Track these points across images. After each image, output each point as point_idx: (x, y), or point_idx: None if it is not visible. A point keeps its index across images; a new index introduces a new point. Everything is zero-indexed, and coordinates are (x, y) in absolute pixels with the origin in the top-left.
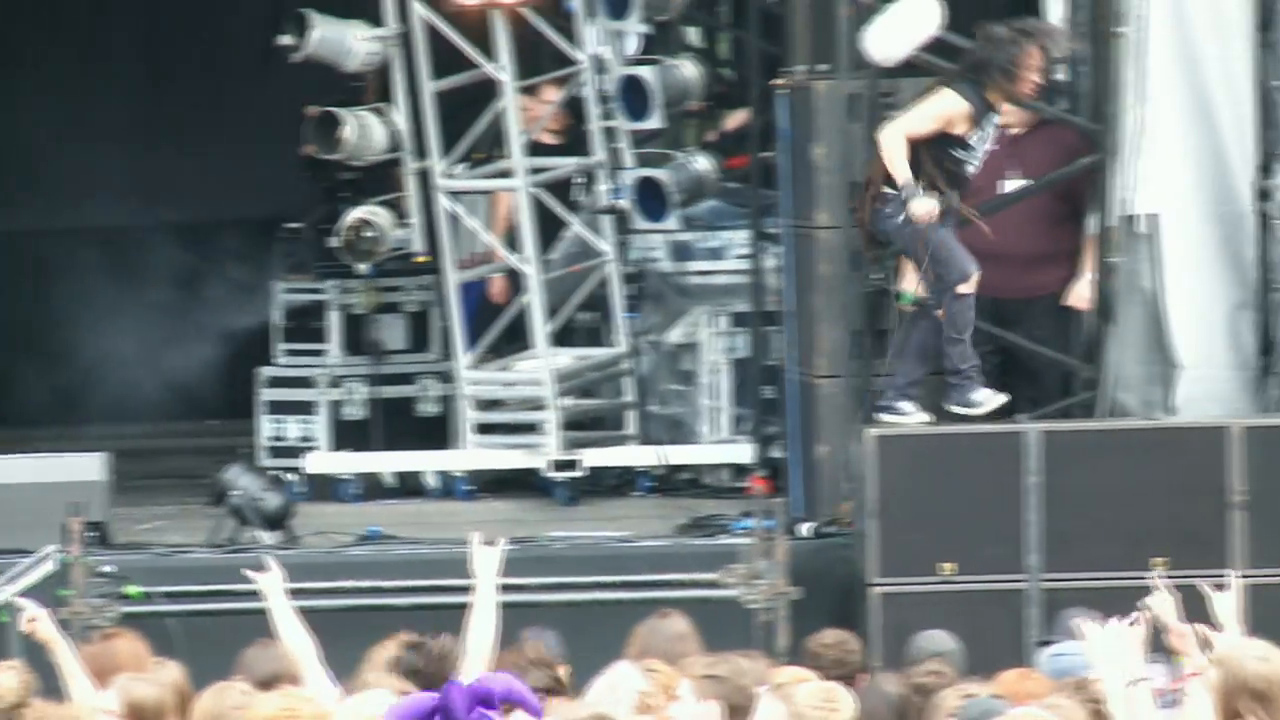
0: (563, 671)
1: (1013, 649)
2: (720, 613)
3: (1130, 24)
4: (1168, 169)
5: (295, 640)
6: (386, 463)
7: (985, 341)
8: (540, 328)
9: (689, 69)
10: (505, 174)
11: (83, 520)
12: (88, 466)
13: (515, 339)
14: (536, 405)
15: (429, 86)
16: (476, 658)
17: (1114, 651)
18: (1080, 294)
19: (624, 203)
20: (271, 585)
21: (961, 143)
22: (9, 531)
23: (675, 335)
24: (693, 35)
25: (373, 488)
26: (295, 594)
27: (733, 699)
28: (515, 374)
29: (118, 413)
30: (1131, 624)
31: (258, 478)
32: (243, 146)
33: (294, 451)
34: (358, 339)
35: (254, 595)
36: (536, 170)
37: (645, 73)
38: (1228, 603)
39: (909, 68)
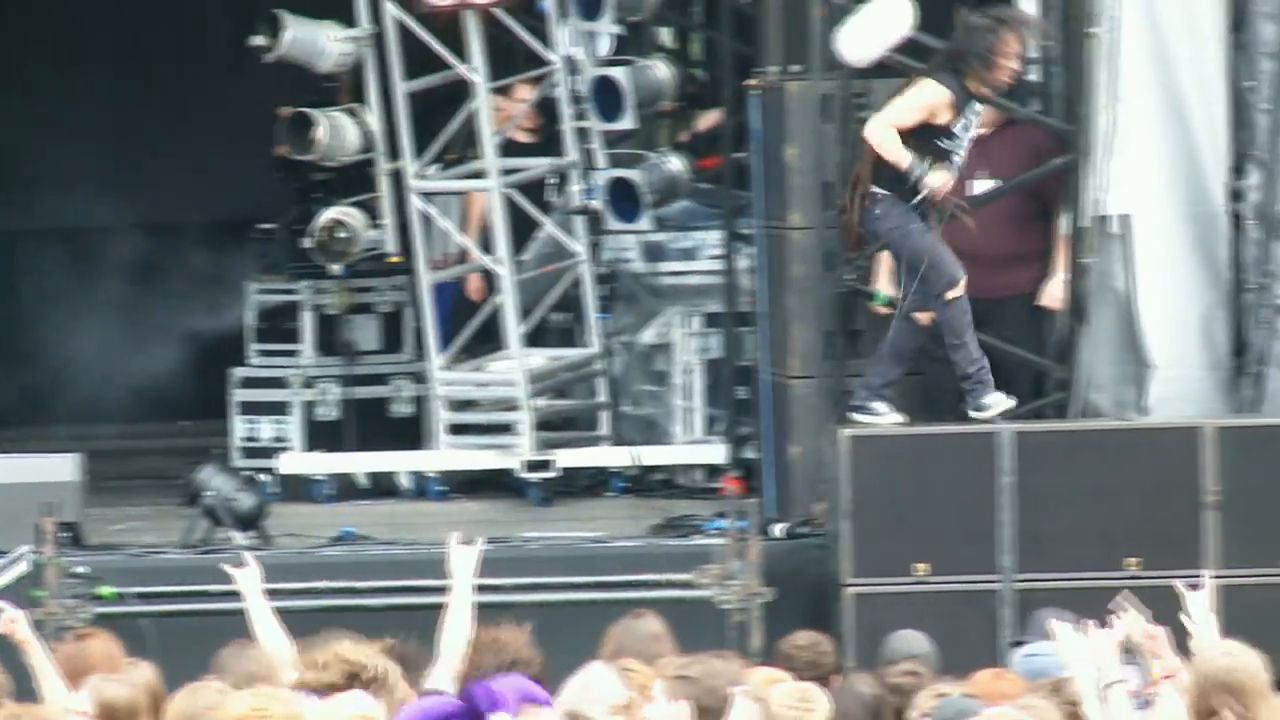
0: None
1: (986, 649)
2: (694, 613)
3: (1103, 25)
4: (1140, 170)
5: (272, 639)
6: (360, 463)
7: None
8: (513, 328)
9: (662, 70)
10: (478, 175)
11: (56, 521)
12: (61, 467)
13: (488, 340)
14: (510, 406)
15: (402, 87)
16: (450, 657)
17: (1089, 652)
18: (1053, 294)
19: (597, 203)
20: (249, 582)
21: (946, 132)
22: None
23: (648, 336)
24: (665, 36)
25: (346, 488)
26: (269, 595)
27: (703, 700)
28: (488, 375)
29: (90, 413)
30: (1105, 627)
31: (231, 478)
32: (215, 147)
33: (267, 452)
34: (331, 340)
35: (228, 596)
36: (509, 171)
37: (618, 73)
38: (1201, 602)
39: (882, 68)
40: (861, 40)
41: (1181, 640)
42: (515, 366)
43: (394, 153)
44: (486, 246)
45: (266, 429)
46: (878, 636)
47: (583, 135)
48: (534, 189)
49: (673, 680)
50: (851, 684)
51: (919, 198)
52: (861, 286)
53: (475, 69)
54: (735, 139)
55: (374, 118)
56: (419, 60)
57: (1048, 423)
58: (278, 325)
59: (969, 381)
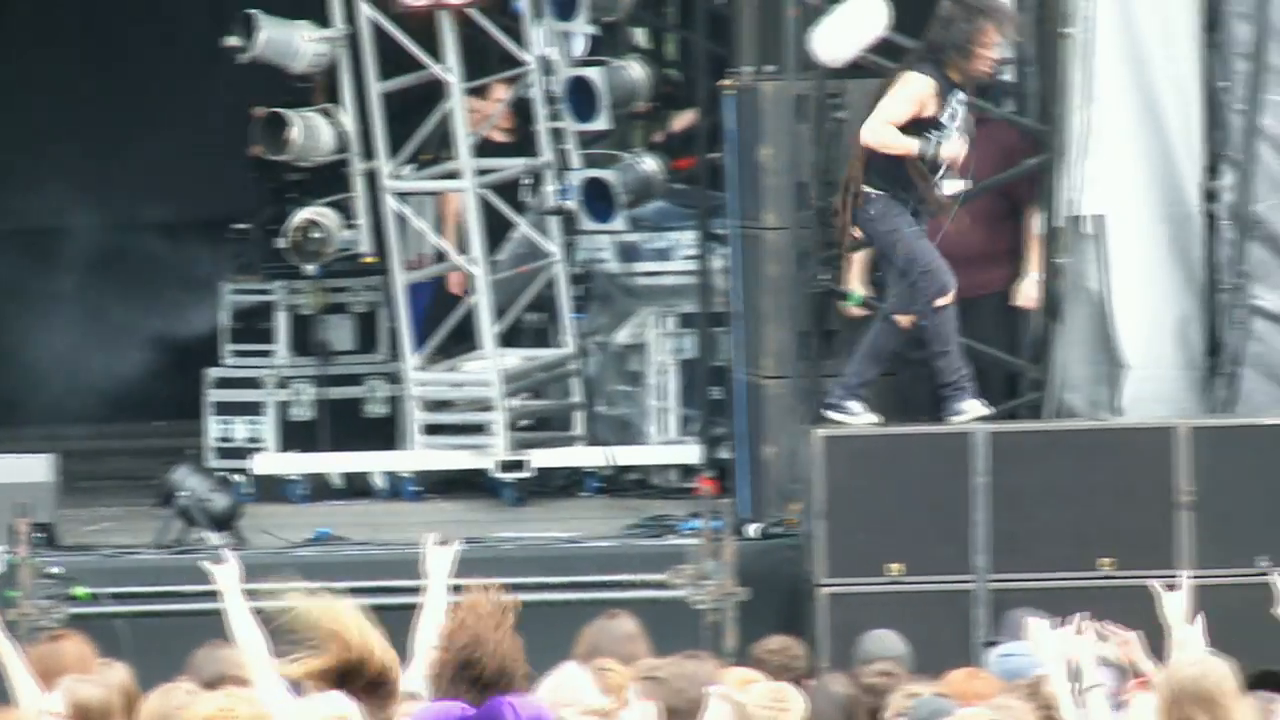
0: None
1: (960, 649)
2: (668, 613)
3: (1077, 25)
4: (1115, 170)
5: (248, 637)
6: (334, 463)
7: None
8: (488, 328)
9: (636, 70)
10: (453, 175)
11: (30, 521)
12: (34, 468)
13: (463, 340)
14: (484, 406)
15: (376, 87)
16: (425, 658)
17: (1063, 650)
18: (1027, 294)
19: (571, 203)
20: (228, 580)
21: (934, 123)
22: None
23: (622, 336)
24: (640, 36)
25: (320, 488)
26: (244, 595)
27: (672, 701)
28: (463, 375)
29: (64, 414)
30: (1079, 630)
31: (205, 479)
32: (189, 147)
33: (241, 452)
34: (305, 340)
35: (202, 596)
36: (484, 171)
37: (592, 74)
38: (1177, 603)
39: (856, 69)
40: (836, 40)
41: (1156, 641)
42: (490, 367)
43: (368, 153)
44: (461, 247)
45: (241, 429)
46: (852, 636)
47: (557, 135)
48: (509, 189)
49: (642, 681)
50: (826, 684)
51: (938, 173)
52: (835, 287)
53: (450, 69)
54: (710, 139)
55: (348, 118)
56: (394, 60)
57: (1022, 423)
58: (252, 325)
59: (949, 389)
